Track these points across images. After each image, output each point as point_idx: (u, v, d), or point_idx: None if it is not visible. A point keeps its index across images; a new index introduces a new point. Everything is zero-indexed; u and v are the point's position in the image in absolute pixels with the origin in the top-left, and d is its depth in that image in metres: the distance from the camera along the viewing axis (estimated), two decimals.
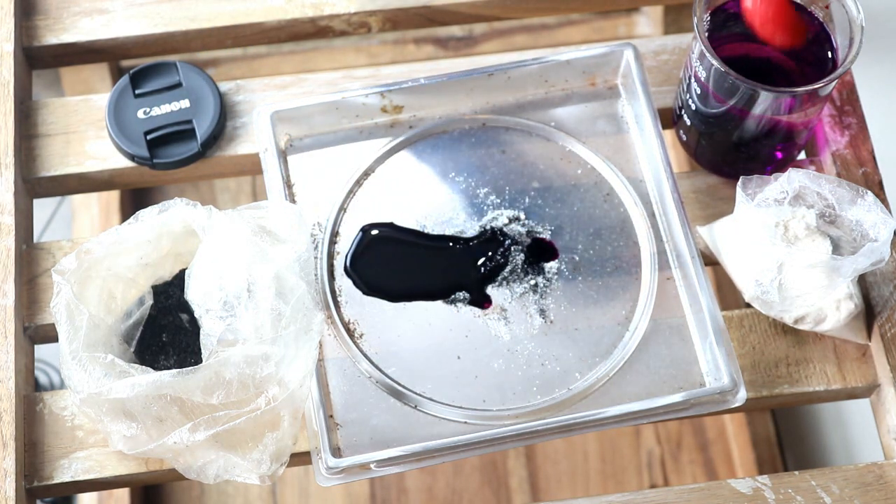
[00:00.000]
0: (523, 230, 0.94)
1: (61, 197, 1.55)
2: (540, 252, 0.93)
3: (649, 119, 0.95)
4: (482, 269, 0.93)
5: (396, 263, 0.94)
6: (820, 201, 0.89)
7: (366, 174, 0.96)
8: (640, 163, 0.96)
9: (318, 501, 1.42)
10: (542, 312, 0.91)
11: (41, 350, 0.99)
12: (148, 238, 0.87)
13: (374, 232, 0.94)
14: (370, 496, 1.42)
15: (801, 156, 1.00)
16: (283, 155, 0.96)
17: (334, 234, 0.94)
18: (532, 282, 0.92)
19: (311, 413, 0.86)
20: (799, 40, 0.89)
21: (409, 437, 0.87)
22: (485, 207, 0.95)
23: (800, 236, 0.88)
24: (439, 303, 0.92)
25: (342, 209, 0.95)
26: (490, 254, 0.93)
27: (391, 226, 0.95)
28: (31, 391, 0.92)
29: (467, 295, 0.92)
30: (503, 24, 1.53)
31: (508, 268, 0.93)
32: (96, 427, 0.87)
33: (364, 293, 0.92)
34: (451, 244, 0.94)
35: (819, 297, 0.88)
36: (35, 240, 0.98)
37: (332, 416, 0.88)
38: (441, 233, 0.94)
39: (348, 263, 0.93)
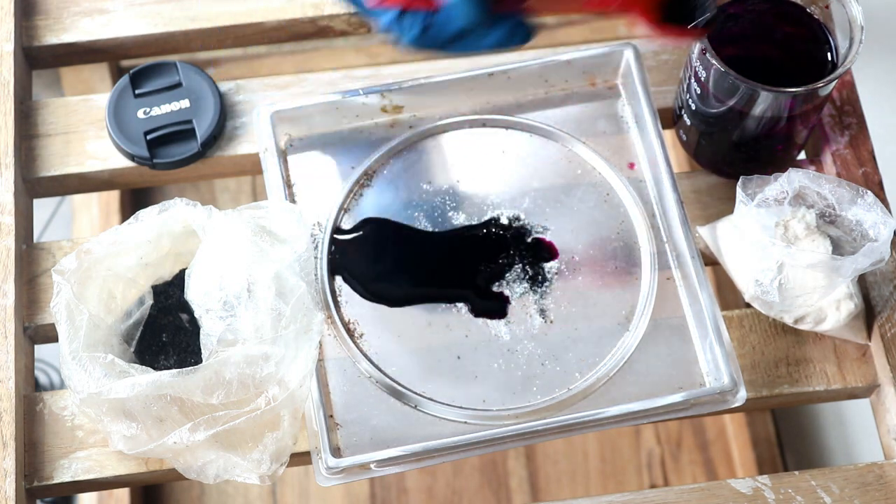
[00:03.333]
0: (523, 230, 0.94)
1: (61, 197, 1.55)
2: (540, 252, 0.93)
3: (649, 119, 0.95)
4: (482, 269, 0.93)
5: (396, 265, 0.93)
6: (820, 201, 0.89)
7: (366, 174, 0.96)
8: (640, 163, 0.96)
9: (318, 501, 1.42)
10: (542, 312, 0.91)
11: (41, 350, 0.99)
12: (148, 238, 0.87)
13: (374, 231, 0.94)
14: (370, 496, 1.42)
15: (801, 156, 1.00)
16: (283, 155, 0.96)
17: (334, 234, 0.94)
18: (532, 282, 0.92)
19: (311, 413, 0.86)
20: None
21: (409, 437, 0.87)
22: (485, 207, 0.95)
23: (800, 236, 0.88)
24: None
25: (342, 209, 0.95)
26: (490, 254, 0.93)
27: (391, 225, 0.94)
28: (31, 391, 0.92)
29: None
30: None
31: (508, 268, 0.93)
32: (96, 427, 0.87)
33: (364, 297, 0.92)
34: (451, 244, 0.94)
35: (819, 297, 0.88)
36: (35, 240, 0.98)
37: (332, 416, 0.88)
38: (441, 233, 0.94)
39: (348, 265, 0.93)
